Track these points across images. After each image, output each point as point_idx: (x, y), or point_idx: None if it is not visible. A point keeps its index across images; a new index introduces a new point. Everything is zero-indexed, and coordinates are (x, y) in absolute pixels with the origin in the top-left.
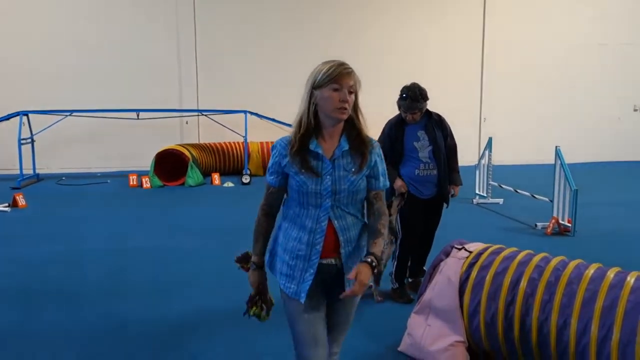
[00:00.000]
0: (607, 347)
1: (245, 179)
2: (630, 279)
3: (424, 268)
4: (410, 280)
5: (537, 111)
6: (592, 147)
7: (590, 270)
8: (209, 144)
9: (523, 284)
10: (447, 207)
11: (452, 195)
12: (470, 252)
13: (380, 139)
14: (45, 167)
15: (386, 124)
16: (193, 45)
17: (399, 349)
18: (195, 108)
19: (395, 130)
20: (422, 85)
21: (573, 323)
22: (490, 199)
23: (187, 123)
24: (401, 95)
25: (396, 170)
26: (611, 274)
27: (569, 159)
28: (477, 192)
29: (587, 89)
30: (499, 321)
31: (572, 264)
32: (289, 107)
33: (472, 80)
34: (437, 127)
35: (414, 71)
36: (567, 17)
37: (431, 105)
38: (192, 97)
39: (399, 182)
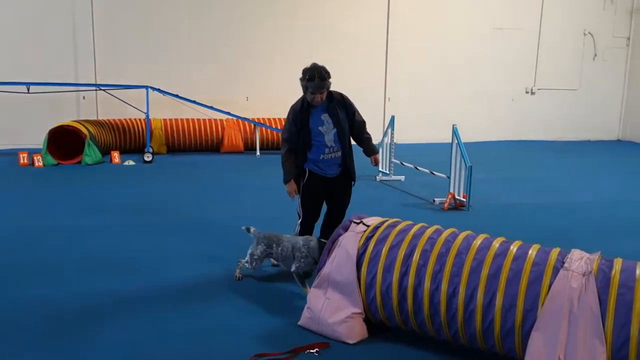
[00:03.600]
0: (492, 312)
1: (147, 157)
2: (513, 248)
3: None
4: None
5: (438, 92)
6: (489, 126)
7: (478, 241)
8: (108, 120)
9: (416, 255)
10: (354, 184)
11: (376, 165)
12: (368, 226)
13: (286, 128)
14: None
15: (290, 111)
16: (89, 12)
17: (299, 323)
18: (93, 82)
19: (300, 116)
20: (330, 64)
21: (461, 291)
22: (393, 176)
23: (84, 98)
24: (307, 77)
25: (304, 156)
26: (496, 243)
27: (468, 137)
28: (380, 169)
29: (484, 71)
30: (394, 292)
31: (462, 235)
32: (193, 83)
33: (377, 61)
34: (341, 107)
35: (319, 51)
36: (465, 1)
37: (337, 85)
38: (89, 70)
39: (292, 186)
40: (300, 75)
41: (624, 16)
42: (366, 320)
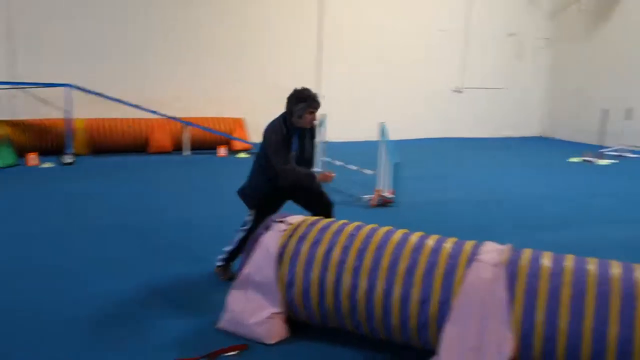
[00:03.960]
0: (408, 305)
1: (67, 158)
2: (430, 242)
3: None
4: None
5: (371, 91)
6: (420, 124)
7: (397, 236)
8: (25, 120)
9: (336, 252)
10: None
11: None
12: (290, 224)
13: (275, 151)
14: None
15: (277, 136)
16: (5, 4)
17: (218, 325)
18: (6, 80)
19: (287, 138)
20: (262, 63)
21: (379, 286)
22: None
23: None
24: (303, 98)
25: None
26: (414, 238)
27: (400, 135)
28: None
29: (415, 70)
30: (314, 290)
31: (381, 231)
32: (119, 81)
33: (309, 58)
34: (308, 130)
35: (250, 50)
36: (398, 2)
37: (268, 84)
38: (2, 66)
39: (322, 175)
40: (293, 101)
41: (544, 18)
42: (288, 320)
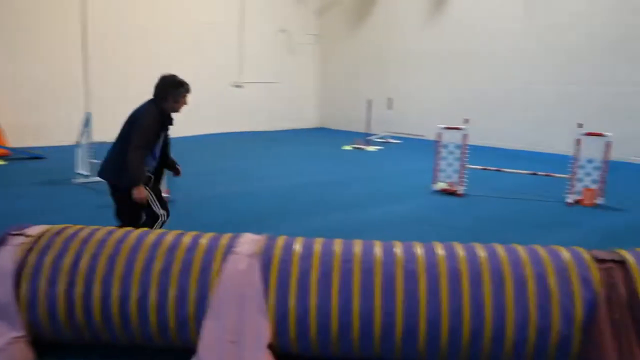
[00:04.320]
0: (165, 306)
1: None
2: (186, 240)
3: None
4: None
5: (144, 88)
6: (196, 120)
7: (151, 238)
8: None
9: (83, 262)
10: None
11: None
12: (30, 236)
13: (145, 135)
14: None
15: (154, 121)
16: None
17: None
18: None
19: (159, 128)
20: (16, 60)
21: (133, 292)
22: (92, 178)
23: None
24: (180, 83)
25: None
26: (170, 237)
27: (176, 132)
28: (78, 171)
29: (190, 66)
30: (60, 305)
31: (135, 234)
32: None
33: (74, 56)
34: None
35: (4, 46)
36: None
37: (27, 84)
38: None
39: (143, 193)
40: (168, 87)
41: (311, 15)
42: (33, 342)
